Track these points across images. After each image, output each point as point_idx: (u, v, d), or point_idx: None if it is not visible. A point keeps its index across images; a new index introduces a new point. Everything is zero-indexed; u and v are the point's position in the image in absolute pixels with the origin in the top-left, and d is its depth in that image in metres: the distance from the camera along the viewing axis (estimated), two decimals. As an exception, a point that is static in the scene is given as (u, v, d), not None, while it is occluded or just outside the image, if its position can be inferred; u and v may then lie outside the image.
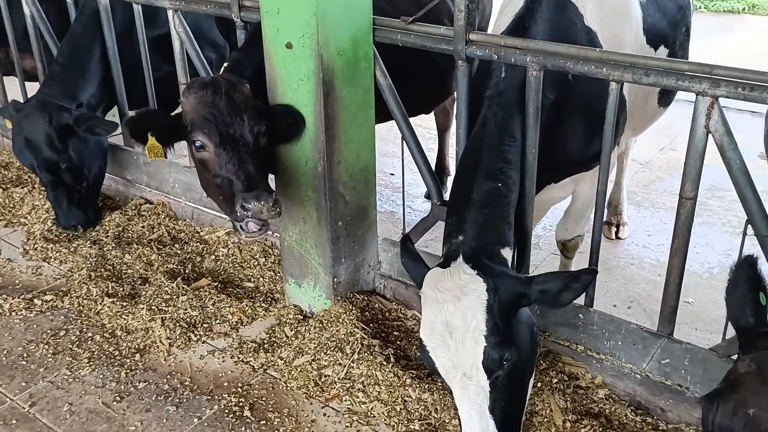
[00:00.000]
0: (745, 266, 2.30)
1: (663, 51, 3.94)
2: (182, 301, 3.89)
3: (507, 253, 2.83)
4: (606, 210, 5.42)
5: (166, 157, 3.46)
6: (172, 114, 3.47)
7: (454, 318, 2.50)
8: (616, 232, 5.28)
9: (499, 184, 2.89)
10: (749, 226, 2.75)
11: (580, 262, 4.49)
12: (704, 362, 2.96)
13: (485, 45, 3.06)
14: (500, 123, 2.99)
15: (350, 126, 3.43)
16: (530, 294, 2.60)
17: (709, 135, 2.69)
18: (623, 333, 3.15)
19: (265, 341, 3.69)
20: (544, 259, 5.03)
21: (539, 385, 3.19)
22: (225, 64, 3.76)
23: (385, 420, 3.16)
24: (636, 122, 3.95)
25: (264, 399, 3.34)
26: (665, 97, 4.22)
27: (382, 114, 3.65)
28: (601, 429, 3.00)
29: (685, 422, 3.04)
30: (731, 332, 2.94)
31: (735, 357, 2.94)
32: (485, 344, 2.47)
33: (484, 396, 2.52)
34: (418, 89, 4.29)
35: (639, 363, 3.12)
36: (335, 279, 3.67)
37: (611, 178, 3.87)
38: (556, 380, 3.23)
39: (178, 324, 3.76)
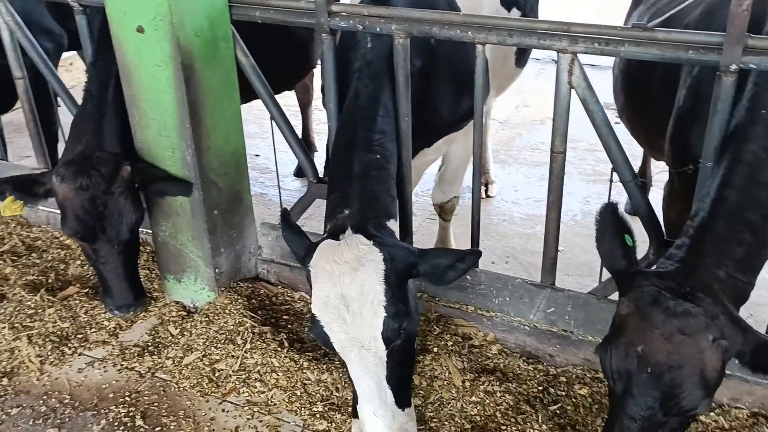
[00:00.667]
0: (608, 213, 2.42)
1: (516, 12, 4.07)
2: (49, 314, 3.59)
3: (393, 225, 2.82)
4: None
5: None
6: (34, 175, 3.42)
7: (350, 290, 2.46)
8: (486, 191, 5.46)
9: (378, 156, 2.88)
10: (614, 173, 2.89)
11: (456, 223, 4.61)
12: (585, 306, 3.12)
13: (349, 16, 3.01)
14: (372, 94, 2.96)
15: (216, 110, 3.28)
16: (420, 266, 2.61)
17: (572, 90, 2.80)
18: (510, 289, 3.26)
19: (149, 343, 3.50)
20: (420, 225, 5.11)
21: (435, 350, 3.25)
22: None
23: (286, 406, 3.09)
24: (498, 82, 4.07)
25: (156, 404, 3.17)
26: (521, 58, 4.36)
27: (243, 94, 3.51)
28: (498, 383, 3.10)
29: (572, 364, 3.21)
30: (606, 275, 3.13)
31: (612, 298, 3.13)
32: (384, 315, 2.46)
33: (382, 367, 2.51)
34: (278, 66, 4.18)
35: (527, 315, 3.25)
36: (216, 270, 3.53)
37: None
38: (451, 343, 3.29)
39: (47, 339, 3.48)
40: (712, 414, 2.91)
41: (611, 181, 2.94)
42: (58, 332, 3.53)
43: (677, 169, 2.97)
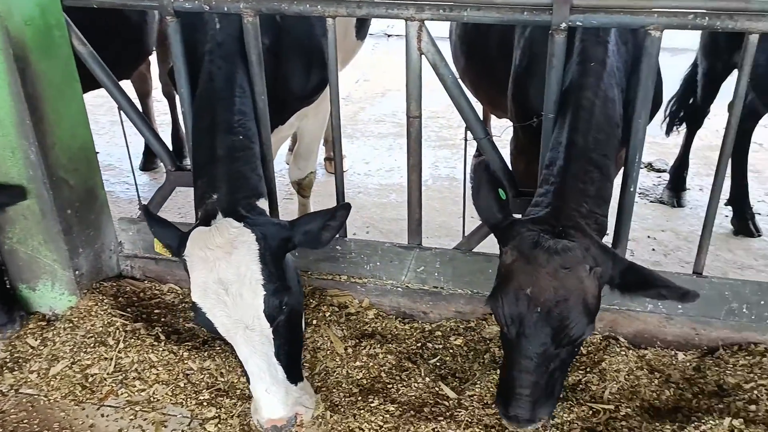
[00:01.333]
0: (482, 170, 2.59)
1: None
2: None
3: (263, 204, 2.84)
4: (323, 147, 5.66)
5: None
6: None
7: (227, 273, 2.46)
8: (338, 166, 5.53)
9: (241, 137, 2.86)
10: (468, 131, 3.07)
11: (314, 200, 4.66)
12: (452, 261, 3.30)
13: (193, -5, 2.93)
14: (227, 75, 2.93)
15: (58, 103, 3.09)
16: (294, 237, 2.65)
17: (423, 56, 2.93)
18: (379, 254, 3.38)
19: (7, 360, 3.26)
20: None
21: (314, 322, 3.30)
22: None
23: (171, 400, 3.02)
24: (342, 56, 4.13)
25: (26, 421, 2.97)
26: (361, 30, 4.46)
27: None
28: (379, 345, 3.22)
29: (445, 318, 3.39)
30: (468, 230, 3.33)
31: (476, 250, 3.34)
32: (264, 293, 2.49)
33: (269, 344, 2.55)
34: (114, 54, 3.98)
35: (398, 277, 3.38)
36: (76, 272, 3.35)
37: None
38: (329, 313, 3.36)
39: None
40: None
41: (465, 139, 3.12)
42: None
43: (520, 123, 3.21)
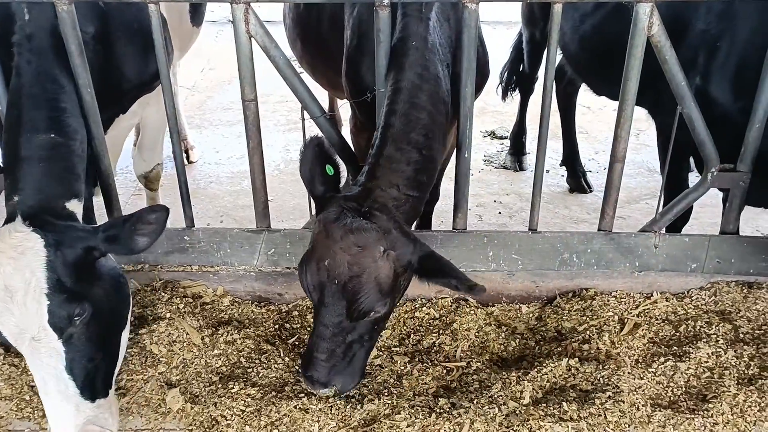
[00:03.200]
0: (312, 145, 2.65)
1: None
2: None
3: (76, 206, 2.70)
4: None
5: None
6: None
7: (13, 280, 2.35)
8: (187, 157, 5.42)
9: (53, 135, 2.71)
10: (305, 111, 3.10)
11: (164, 194, 4.54)
12: (302, 240, 3.33)
13: (-1, -15, 2.76)
14: (38, 70, 2.79)
15: None
16: (99, 244, 2.53)
17: (252, 39, 2.92)
18: (229, 240, 3.36)
19: None
20: (125, 203, 4.92)
21: (168, 315, 3.23)
22: None
23: (16, 415, 2.88)
24: (178, 42, 4.04)
25: None
26: (196, 16, 4.37)
27: None
28: (236, 331, 3.21)
29: (301, 297, 3.43)
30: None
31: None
32: (48, 303, 2.38)
33: (58, 357, 2.42)
34: None
35: (250, 261, 3.38)
36: None
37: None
38: (182, 305, 3.30)
39: None
40: (423, 308, 3.34)
41: (303, 118, 3.15)
42: None
43: (355, 100, 3.28)
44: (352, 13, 3.29)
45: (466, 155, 3.15)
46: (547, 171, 5.44)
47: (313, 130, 3.08)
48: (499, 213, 4.92)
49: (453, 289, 2.51)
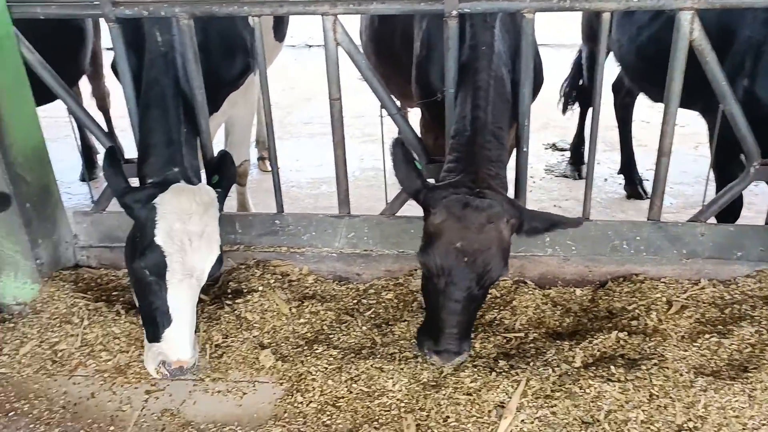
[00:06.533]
0: (399, 146, 3.02)
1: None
2: None
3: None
4: (256, 148, 6.07)
5: None
6: None
7: (196, 228, 2.95)
8: (270, 164, 5.94)
9: (185, 130, 3.30)
10: (382, 108, 3.54)
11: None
12: (378, 225, 3.76)
13: (133, 3, 3.32)
14: (169, 76, 3.32)
15: (11, 107, 3.42)
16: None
17: (338, 46, 3.40)
18: (314, 225, 3.81)
19: (-24, 347, 3.54)
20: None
21: (260, 288, 3.69)
22: None
23: (137, 365, 3.36)
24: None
25: (3, 395, 3.26)
26: (278, 31, 4.92)
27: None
28: (320, 303, 3.64)
29: (376, 277, 3.84)
30: (390, 197, 3.80)
31: (398, 214, 3.80)
32: (218, 253, 3.03)
33: (196, 296, 3.04)
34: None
35: (332, 244, 3.82)
36: (38, 261, 3.65)
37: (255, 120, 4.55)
38: (273, 281, 3.76)
39: None
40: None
41: (381, 116, 3.59)
42: None
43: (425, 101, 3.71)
44: (422, 27, 3.74)
45: (525, 149, 3.52)
46: (605, 179, 5.75)
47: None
48: (559, 216, 5.25)
49: (559, 229, 2.96)
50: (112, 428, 3.07)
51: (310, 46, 9.90)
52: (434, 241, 2.83)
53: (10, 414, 3.16)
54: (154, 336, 3.01)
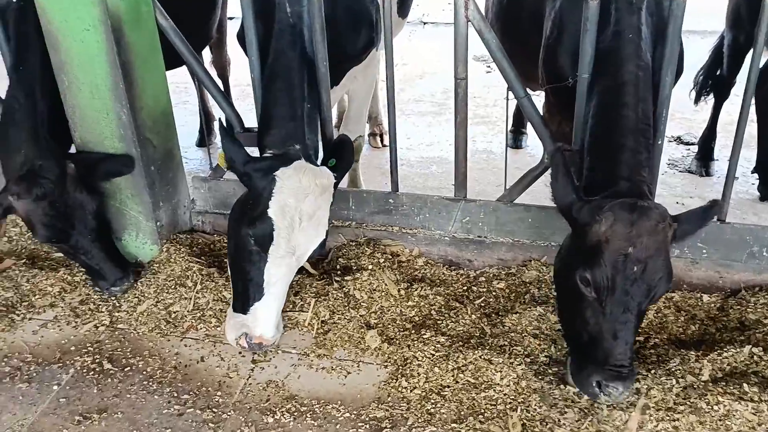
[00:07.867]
0: (558, 155, 2.81)
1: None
2: (-10, 287, 3.69)
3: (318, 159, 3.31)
4: (367, 124, 6.03)
5: None
6: None
7: (309, 208, 2.93)
8: (381, 140, 5.90)
9: (308, 105, 3.28)
10: (509, 91, 3.39)
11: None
12: (495, 212, 3.63)
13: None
14: (296, 48, 3.30)
15: (144, 71, 3.49)
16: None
17: (469, 23, 3.26)
18: (429, 206, 3.72)
19: (99, 300, 3.67)
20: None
21: (370, 267, 3.65)
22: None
23: (244, 334, 3.40)
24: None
25: (120, 350, 3.38)
26: (403, 8, 4.81)
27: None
28: (429, 287, 3.56)
29: (488, 265, 3.72)
30: (510, 182, 3.65)
31: (517, 202, 3.64)
32: (324, 237, 3.04)
33: (292, 274, 3.09)
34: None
35: (445, 227, 3.72)
36: (158, 223, 3.75)
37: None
38: (382, 260, 3.71)
39: (-6, 310, 3.58)
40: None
41: (507, 98, 3.45)
42: (3, 302, 3.64)
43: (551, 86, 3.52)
44: (554, 7, 3.53)
45: (660, 142, 3.28)
46: (737, 178, 5.34)
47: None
48: (682, 214, 4.93)
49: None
50: (219, 393, 3.11)
51: (425, 23, 9.75)
52: (598, 253, 2.61)
53: (126, 369, 3.26)
54: (243, 307, 3.05)
